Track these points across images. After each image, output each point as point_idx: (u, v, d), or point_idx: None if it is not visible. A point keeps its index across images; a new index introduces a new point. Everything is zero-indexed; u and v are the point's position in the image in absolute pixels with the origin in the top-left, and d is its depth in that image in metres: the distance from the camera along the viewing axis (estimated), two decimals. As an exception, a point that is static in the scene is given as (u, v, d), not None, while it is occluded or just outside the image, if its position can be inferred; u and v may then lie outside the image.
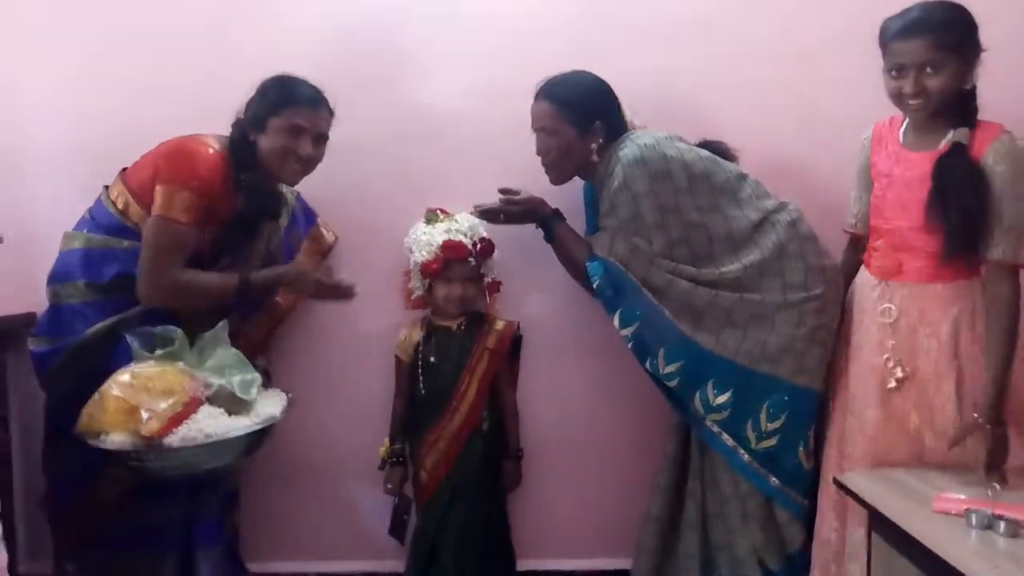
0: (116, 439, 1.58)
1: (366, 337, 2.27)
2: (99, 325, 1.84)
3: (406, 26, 2.24)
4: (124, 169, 1.95)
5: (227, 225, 1.91)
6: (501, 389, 2.18)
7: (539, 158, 1.99)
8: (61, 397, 1.87)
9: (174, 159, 1.84)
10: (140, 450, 1.57)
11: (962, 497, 1.53)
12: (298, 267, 2.02)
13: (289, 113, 1.87)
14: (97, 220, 1.92)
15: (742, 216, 1.87)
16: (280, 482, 2.28)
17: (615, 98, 1.97)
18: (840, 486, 1.74)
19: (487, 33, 2.23)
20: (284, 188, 2.08)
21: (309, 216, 2.23)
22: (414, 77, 2.25)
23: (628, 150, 1.85)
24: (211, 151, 1.85)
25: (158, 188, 1.82)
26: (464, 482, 2.08)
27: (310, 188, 2.13)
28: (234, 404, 1.67)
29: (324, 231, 2.25)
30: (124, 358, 1.77)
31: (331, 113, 1.96)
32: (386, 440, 2.15)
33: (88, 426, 1.60)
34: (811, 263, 1.87)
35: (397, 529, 2.15)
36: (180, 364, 1.69)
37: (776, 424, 1.85)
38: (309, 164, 1.94)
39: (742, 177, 1.92)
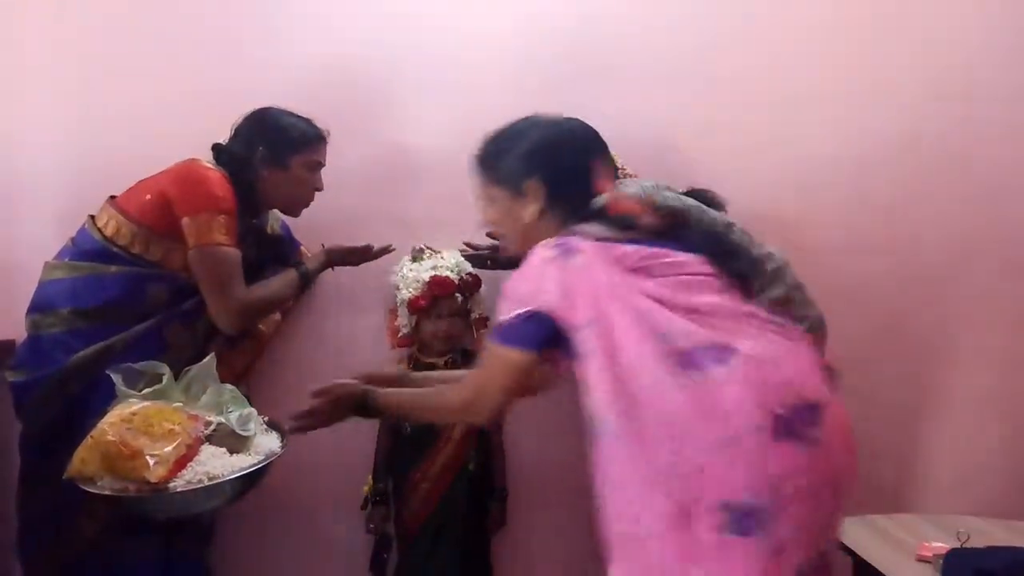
0: (116, 485, 1.52)
1: (351, 374, 2.24)
2: (83, 352, 1.81)
3: (394, 65, 2.25)
4: (112, 197, 1.93)
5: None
6: (487, 428, 2.17)
7: None
8: (40, 430, 1.83)
9: (193, 188, 1.83)
10: (144, 496, 1.51)
11: (945, 545, 1.54)
12: (332, 246, 2.09)
13: (311, 151, 1.95)
14: (81, 247, 1.89)
15: None
16: (257, 519, 2.23)
17: (603, 145, 1.97)
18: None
19: (474, 73, 2.24)
20: (270, 216, 2.08)
21: (293, 243, 2.22)
22: (401, 115, 2.25)
23: None
24: (218, 174, 1.87)
25: (187, 220, 1.81)
26: (448, 523, 2.05)
27: (297, 225, 2.13)
28: (234, 441, 1.63)
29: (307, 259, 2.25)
30: (106, 388, 1.72)
31: None
32: (369, 478, 2.13)
33: (80, 471, 1.54)
34: (796, 312, 1.89)
35: (377, 565, 2.12)
36: (178, 404, 1.64)
37: None
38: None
39: (729, 226, 1.93)
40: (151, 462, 1.48)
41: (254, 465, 1.61)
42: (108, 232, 1.87)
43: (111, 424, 1.53)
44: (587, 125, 1.56)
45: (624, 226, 1.36)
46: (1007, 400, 2.28)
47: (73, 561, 1.81)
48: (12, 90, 2.22)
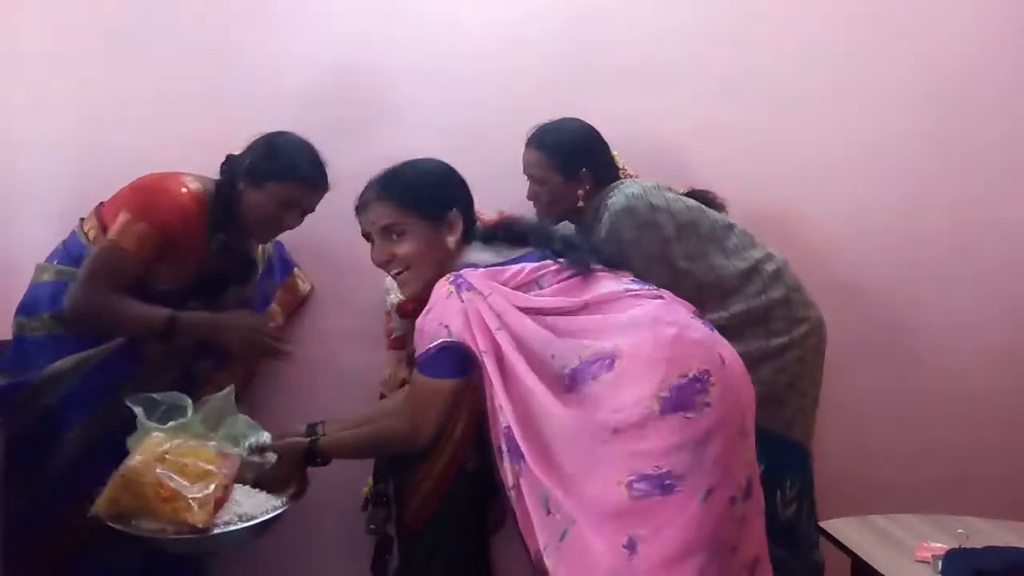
0: (153, 526, 1.51)
1: (349, 376, 2.23)
2: (59, 363, 1.80)
3: (394, 65, 2.25)
4: (101, 203, 1.92)
5: (196, 277, 1.88)
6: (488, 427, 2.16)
7: (527, 203, 2.00)
8: (20, 433, 1.81)
9: (143, 192, 1.83)
10: (182, 538, 1.50)
11: (944, 546, 1.54)
12: (234, 319, 1.93)
13: (291, 186, 1.86)
14: (69, 251, 1.89)
15: (729, 265, 1.89)
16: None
17: (604, 145, 2.00)
18: (823, 533, 1.74)
19: (471, 78, 2.25)
20: None
21: (286, 265, 2.20)
22: (401, 117, 2.25)
23: (615, 199, 1.87)
24: (184, 190, 1.83)
25: (119, 215, 1.80)
26: (449, 523, 2.05)
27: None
28: (253, 471, 1.64)
29: (299, 281, 2.22)
30: (83, 401, 1.75)
31: (328, 189, 1.94)
32: (369, 480, 2.13)
33: (108, 510, 1.52)
34: (796, 313, 1.89)
35: (378, 566, 2.12)
36: (211, 444, 1.62)
37: None
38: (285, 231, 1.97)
39: (729, 227, 1.94)
40: (194, 505, 1.47)
41: (281, 506, 1.64)
42: (91, 238, 1.87)
43: (145, 464, 1.50)
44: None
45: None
46: (1006, 400, 2.28)
47: (60, 560, 1.80)
48: (12, 90, 2.21)
